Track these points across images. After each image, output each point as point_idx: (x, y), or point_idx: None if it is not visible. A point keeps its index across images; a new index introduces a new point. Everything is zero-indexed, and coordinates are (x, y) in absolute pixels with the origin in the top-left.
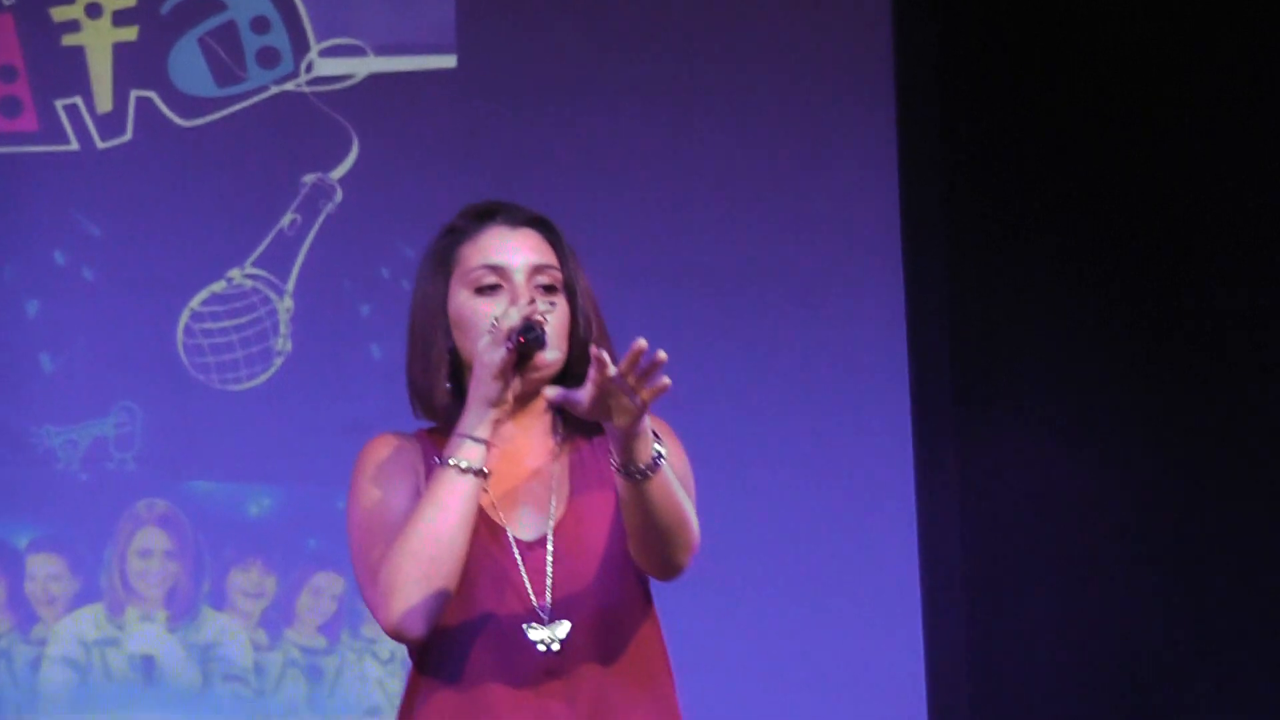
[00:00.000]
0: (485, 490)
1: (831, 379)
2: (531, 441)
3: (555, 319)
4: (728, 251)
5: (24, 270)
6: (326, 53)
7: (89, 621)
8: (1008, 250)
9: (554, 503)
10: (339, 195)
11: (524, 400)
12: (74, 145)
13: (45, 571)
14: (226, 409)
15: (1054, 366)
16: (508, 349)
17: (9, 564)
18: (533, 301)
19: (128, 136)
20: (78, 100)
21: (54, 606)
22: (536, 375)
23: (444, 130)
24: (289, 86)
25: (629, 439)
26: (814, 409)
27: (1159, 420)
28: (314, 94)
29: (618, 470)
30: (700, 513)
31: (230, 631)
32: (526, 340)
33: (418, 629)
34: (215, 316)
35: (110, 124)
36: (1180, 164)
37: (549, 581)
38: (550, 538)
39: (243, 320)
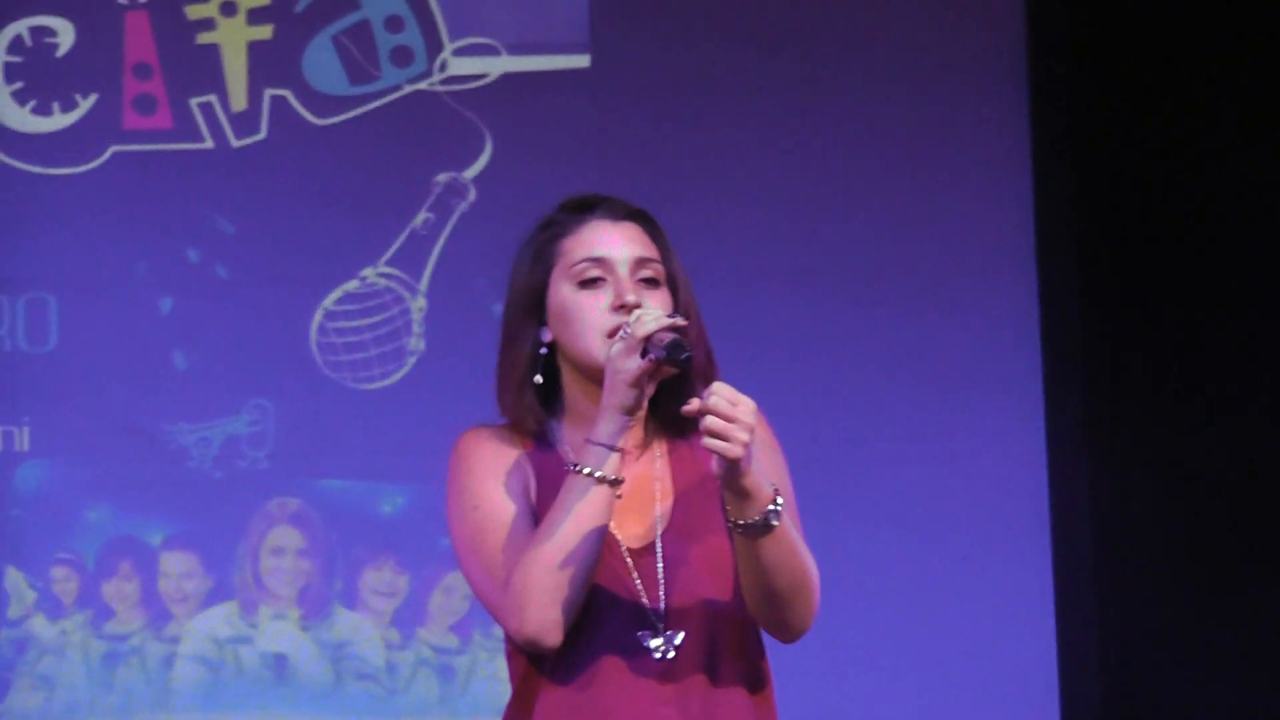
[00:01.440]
0: (619, 497)
1: (965, 381)
2: (629, 442)
3: (658, 307)
4: (858, 254)
5: (158, 268)
6: (460, 52)
7: (222, 619)
8: (1141, 250)
9: (659, 508)
10: (472, 194)
11: None
12: (209, 143)
13: (178, 569)
14: (359, 407)
15: (1187, 366)
16: (650, 360)
17: (143, 561)
18: (674, 314)
19: (262, 135)
20: (212, 98)
21: (187, 604)
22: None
23: (576, 130)
24: (422, 85)
25: (732, 487)
26: (947, 409)
27: None
28: (447, 93)
29: (728, 522)
30: (831, 512)
31: (362, 630)
32: (671, 358)
33: (553, 638)
34: (349, 315)
35: (245, 122)
36: None
37: (661, 589)
38: (659, 544)
39: (376, 319)
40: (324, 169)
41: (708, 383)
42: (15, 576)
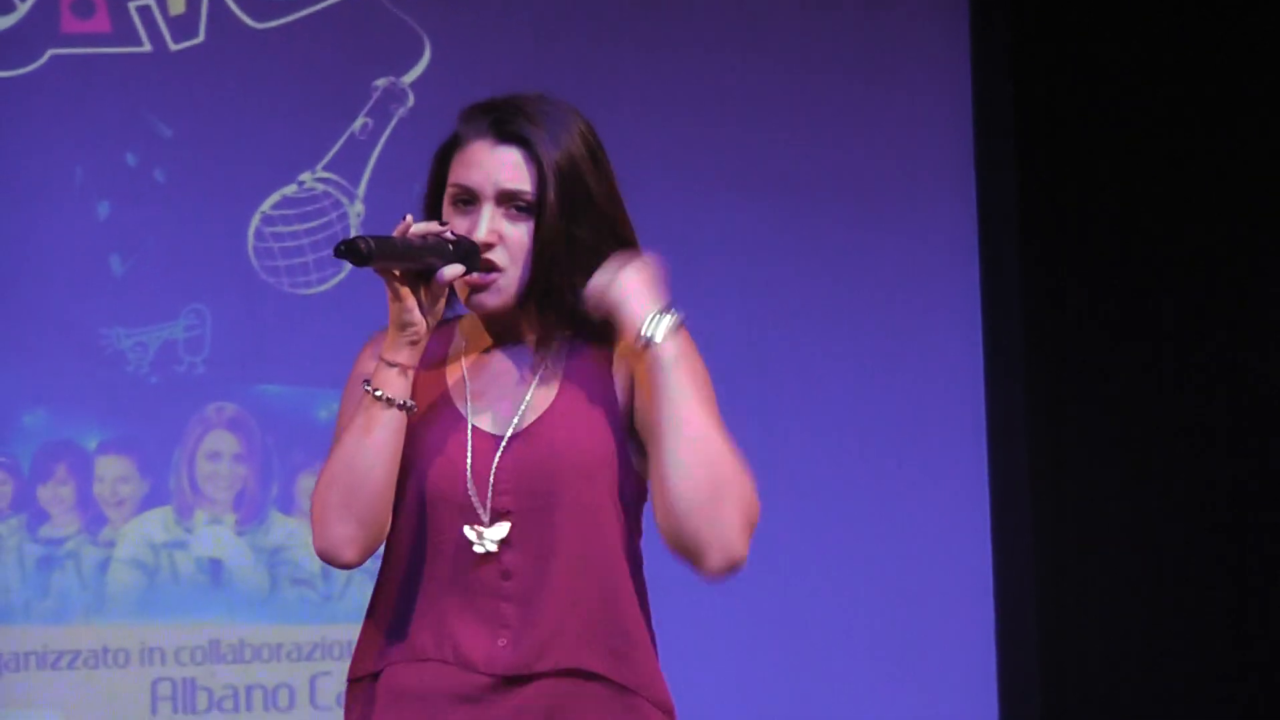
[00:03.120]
0: (410, 410)
1: (903, 293)
2: (521, 336)
3: (514, 242)
4: (802, 163)
5: (95, 172)
6: None
7: (157, 524)
8: (1081, 167)
9: (529, 398)
10: (410, 99)
11: (505, 314)
12: (146, 47)
13: (114, 473)
14: (296, 313)
15: (1125, 287)
16: (339, 250)
17: (78, 465)
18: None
19: (200, 39)
20: (150, 2)
21: (123, 508)
22: (494, 301)
23: (515, 34)
24: None
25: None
26: (885, 322)
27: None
28: None
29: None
30: (768, 420)
31: (298, 535)
32: (340, 246)
33: (346, 554)
34: (286, 220)
35: (183, 26)
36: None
37: (491, 480)
38: (508, 434)
39: (314, 224)
40: (262, 73)
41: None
42: None
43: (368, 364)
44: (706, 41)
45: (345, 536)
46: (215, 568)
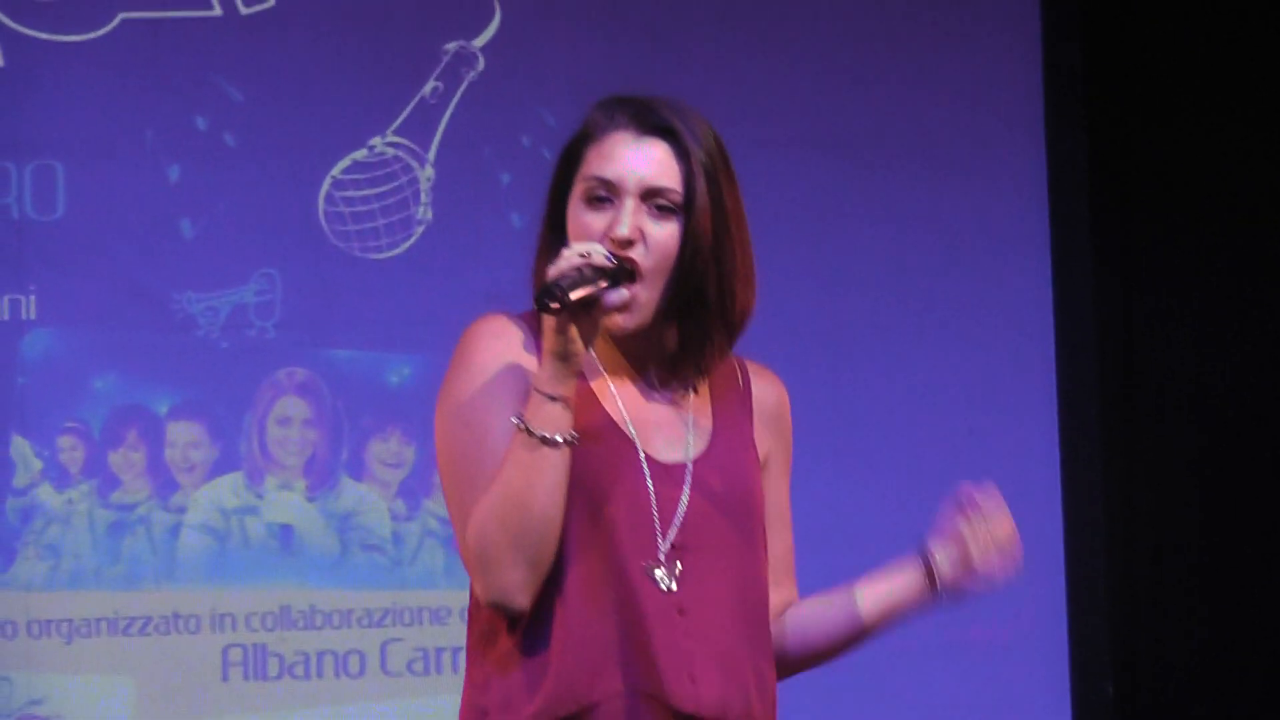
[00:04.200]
0: (573, 443)
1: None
2: (660, 362)
3: (658, 244)
4: (868, 123)
5: (166, 135)
6: None
7: (228, 489)
8: (1151, 131)
9: (693, 435)
10: (480, 63)
11: (642, 326)
12: (217, 10)
13: (185, 438)
14: (367, 277)
15: (1197, 250)
16: (550, 308)
17: (149, 430)
18: (587, 256)
19: (270, 3)
20: None
21: (193, 474)
22: (633, 321)
23: None
24: None
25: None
26: (954, 283)
27: None
28: None
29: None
30: (840, 383)
31: (368, 501)
32: (544, 300)
33: (520, 601)
34: (356, 184)
35: None
36: None
37: (680, 513)
38: (689, 468)
39: (384, 188)
40: (333, 37)
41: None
42: (21, 445)
43: (492, 347)
44: (775, 1)
45: (520, 581)
46: (286, 533)
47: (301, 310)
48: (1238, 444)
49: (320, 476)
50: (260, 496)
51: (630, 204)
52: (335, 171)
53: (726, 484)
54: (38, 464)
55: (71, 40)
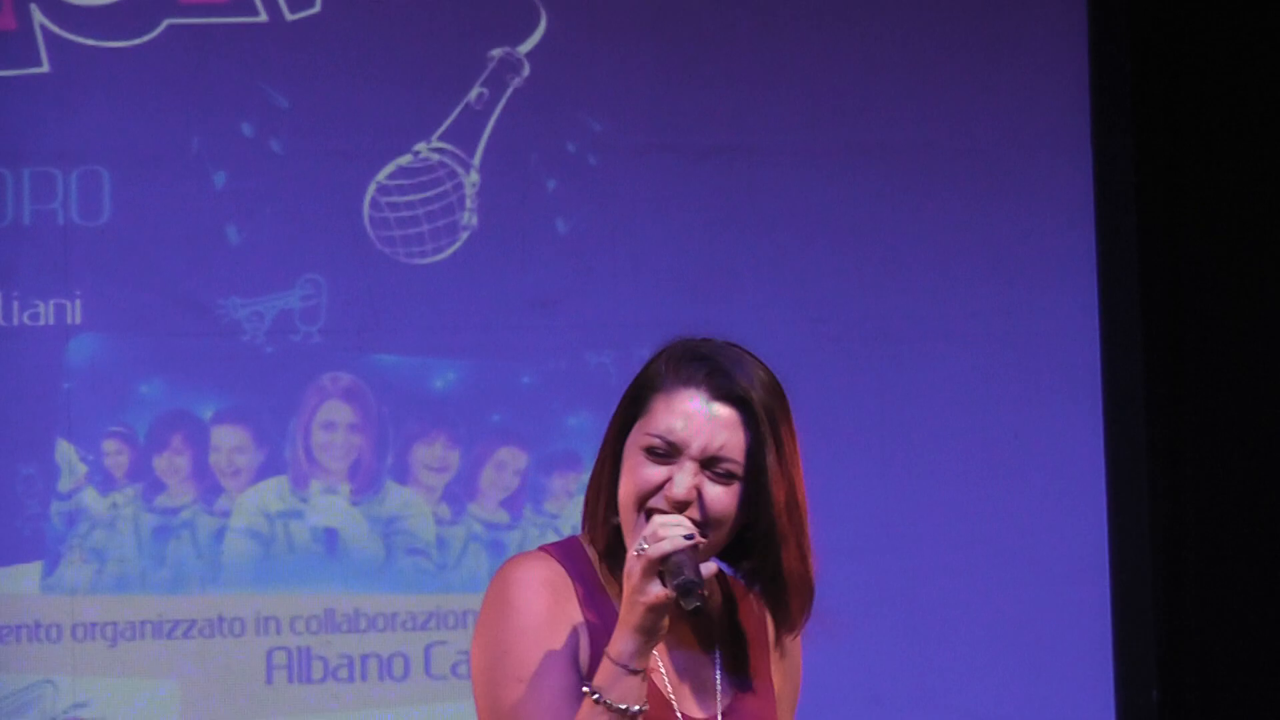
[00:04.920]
0: (644, 712)
1: (1019, 264)
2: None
3: (719, 507)
4: (913, 132)
5: (211, 142)
6: None
7: (272, 493)
8: (1200, 138)
9: (720, 686)
10: (526, 69)
11: None
12: (263, 17)
13: (229, 443)
14: (412, 282)
15: (1243, 259)
16: (666, 593)
17: (194, 435)
18: (691, 537)
19: (316, 9)
20: None
21: (238, 478)
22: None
23: (632, 4)
24: None
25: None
26: (1000, 292)
27: None
28: None
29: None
30: (882, 390)
31: (413, 505)
32: (679, 593)
33: None
34: (402, 190)
35: None
36: None
37: None
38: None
39: (429, 194)
40: (378, 43)
41: (798, 596)
42: (66, 449)
43: (539, 595)
44: (822, 8)
45: None
46: (330, 537)
47: (346, 315)
48: None
49: (365, 481)
50: (305, 501)
51: (690, 466)
52: (380, 177)
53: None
54: (83, 468)
55: (117, 46)
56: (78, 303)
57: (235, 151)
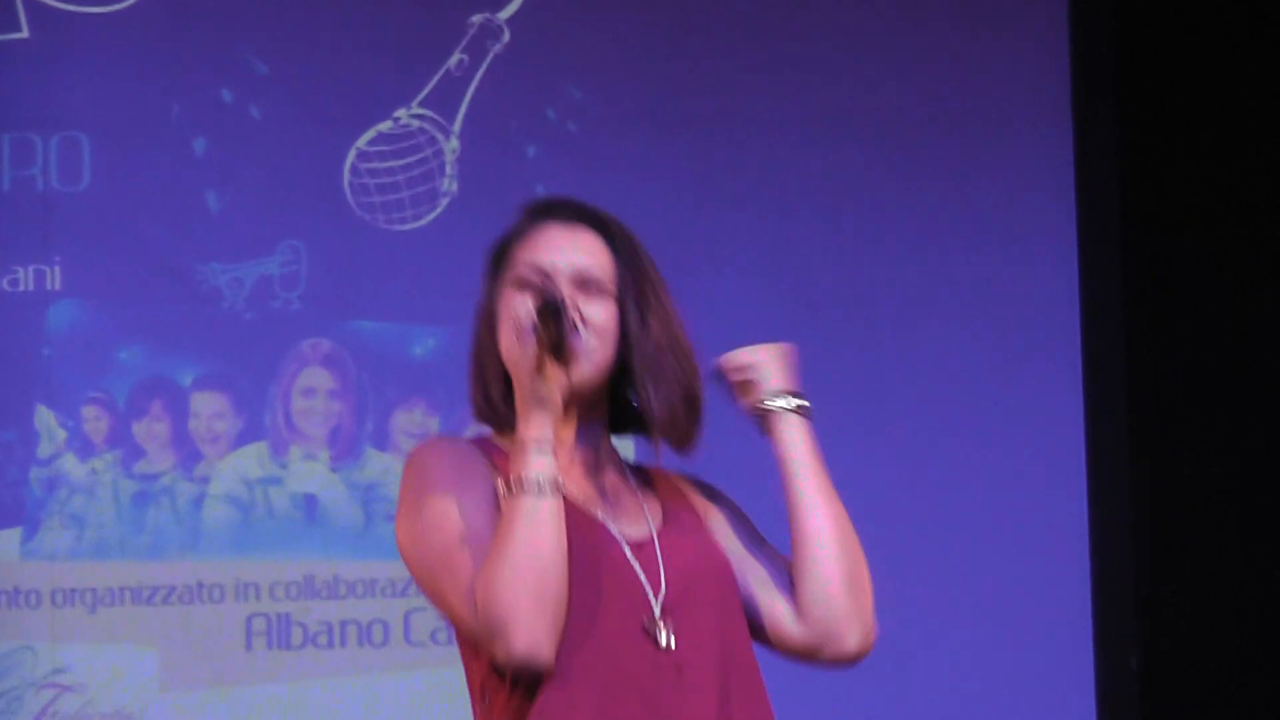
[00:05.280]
0: (564, 489)
1: (999, 239)
2: (604, 451)
3: (598, 321)
4: (891, 102)
5: (191, 108)
6: None
7: (252, 460)
8: (1185, 119)
9: (646, 509)
10: (506, 36)
11: (582, 403)
12: None
13: (209, 409)
14: (391, 249)
15: (1224, 247)
16: (535, 339)
17: (173, 401)
18: (558, 302)
19: None
20: None
21: (217, 444)
22: (586, 373)
23: None
24: None
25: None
26: (979, 267)
27: None
28: None
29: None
30: (865, 367)
31: (393, 472)
32: (547, 320)
33: (545, 657)
34: (382, 156)
35: None
36: None
37: (663, 580)
38: (656, 539)
39: (409, 160)
40: (358, 9)
41: (664, 384)
42: (46, 415)
43: (447, 456)
44: None
45: (545, 634)
46: (310, 504)
47: (326, 282)
48: (1267, 426)
49: (344, 447)
50: (284, 467)
51: (563, 283)
52: (360, 143)
53: (693, 549)
54: (62, 434)
55: (97, 12)
56: (57, 269)
57: (215, 118)
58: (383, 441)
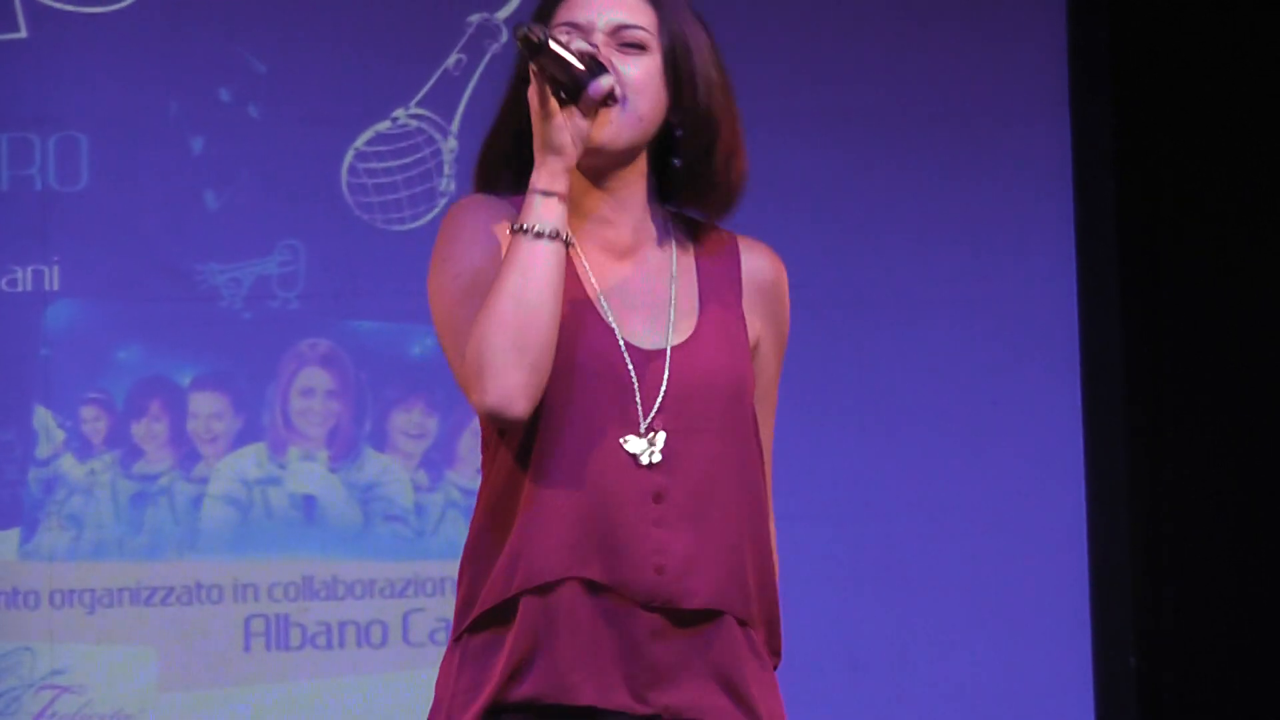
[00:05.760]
0: (571, 244)
1: (997, 233)
2: (640, 235)
3: (633, 77)
4: (891, 98)
5: (189, 107)
6: None
7: (251, 460)
8: (1180, 111)
9: (675, 313)
10: (504, 35)
11: (618, 170)
12: None
13: (207, 409)
14: (390, 249)
15: (1222, 232)
16: (535, 77)
17: (172, 401)
18: (587, 52)
19: None
20: None
21: (216, 444)
22: (618, 128)
23: None
24: None
25: None
26: (977, 263)
27: None
28: None
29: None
30: (860, 355)
31: (391, 472)
32: (537, 56)
33: (517, 406)
34: (380, 156)
35: None
36: None
37: (660, 399)
38: (669, 354)
39: (407, 160)
40: (356, 9)
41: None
42: (44, 416)
43: (471, 211)
44: None
45: (520, 384)
46: (308, 504)
47: (324, 282)
48: (1265, 425)
49: (343, 448)
50: (283, 467)
51: (599, 39)
52: (358, 143)
53: (711, 370)
54: (60, 435)
55: (95, 12)
56: (55, 269)
57: (213, 117)
58: (381, 442)
